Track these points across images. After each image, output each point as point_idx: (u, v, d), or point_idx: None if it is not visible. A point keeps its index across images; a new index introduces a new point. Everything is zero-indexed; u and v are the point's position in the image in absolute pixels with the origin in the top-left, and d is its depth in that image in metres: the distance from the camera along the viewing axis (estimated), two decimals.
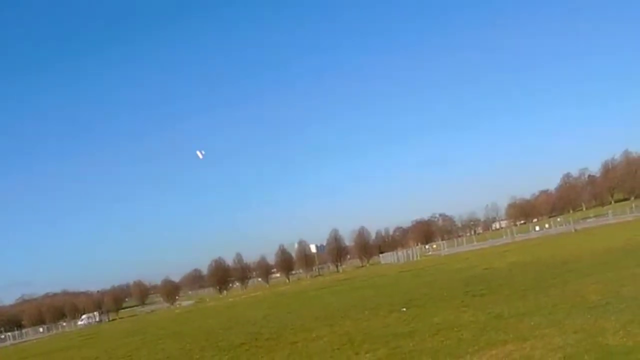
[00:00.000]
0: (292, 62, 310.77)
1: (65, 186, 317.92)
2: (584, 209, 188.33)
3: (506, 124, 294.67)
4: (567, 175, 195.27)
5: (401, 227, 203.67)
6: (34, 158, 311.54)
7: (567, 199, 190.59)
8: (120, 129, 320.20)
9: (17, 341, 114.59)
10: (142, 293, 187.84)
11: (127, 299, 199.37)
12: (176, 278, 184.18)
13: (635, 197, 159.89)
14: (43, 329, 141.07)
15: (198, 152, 53.14)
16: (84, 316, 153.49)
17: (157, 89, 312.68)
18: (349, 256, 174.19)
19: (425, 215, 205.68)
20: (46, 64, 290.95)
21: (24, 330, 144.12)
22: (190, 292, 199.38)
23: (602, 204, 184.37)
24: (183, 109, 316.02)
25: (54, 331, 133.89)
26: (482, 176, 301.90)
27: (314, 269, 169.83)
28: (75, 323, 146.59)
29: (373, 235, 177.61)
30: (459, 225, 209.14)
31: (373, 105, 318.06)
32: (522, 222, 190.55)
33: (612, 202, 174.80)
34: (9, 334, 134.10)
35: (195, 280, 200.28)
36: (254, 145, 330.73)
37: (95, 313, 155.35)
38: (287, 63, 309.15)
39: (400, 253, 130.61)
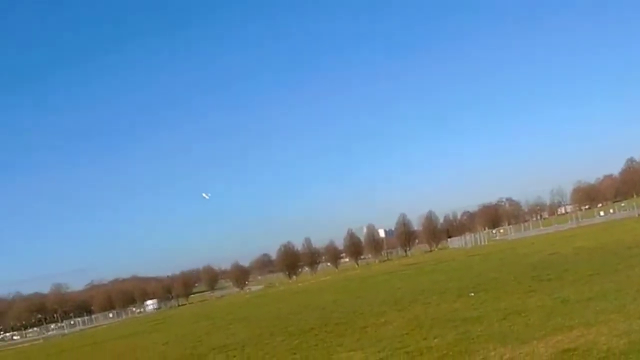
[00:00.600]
0: (362, 41, 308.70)
1: (134, 171, 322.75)
2: None
3: (570, 110, 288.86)
4: (631, 160, 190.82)
5: (468, 212, 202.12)
6: (101, 145, 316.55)
7: (630, 183, 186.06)
8: (184, 109, 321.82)
9: (86, 327, 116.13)
10: (211, 278, 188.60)
11: (196, 284, 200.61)
12: (245, 263, 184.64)
13: None
14: (113, 314, 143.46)
15: (204, 195, 54.81)
16: (148, 302, 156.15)
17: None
18: (417, 241, 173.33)
19: (492, 199, 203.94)
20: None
21: (93, 316, 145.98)
22: (259, 277, 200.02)
23: None
24: (249, 89, 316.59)
25: (124, 317, 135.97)
26: (548, 161, 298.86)
27: (382, 253, 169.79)
28: (145, 308, 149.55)
29: (441, 220, 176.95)
30: (525, 210, 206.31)
31: (437, 91, 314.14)
32: (586, 207, 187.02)
33: None
34: (79, 319, 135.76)
35: (265, 265, 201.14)
36: (321, 128, 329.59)
37: (155, 300, 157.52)
38: (356, 42, 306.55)
39: (467, 237, 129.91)
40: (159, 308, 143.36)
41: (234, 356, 23.04)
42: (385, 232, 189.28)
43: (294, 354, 20.33)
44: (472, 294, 26.83)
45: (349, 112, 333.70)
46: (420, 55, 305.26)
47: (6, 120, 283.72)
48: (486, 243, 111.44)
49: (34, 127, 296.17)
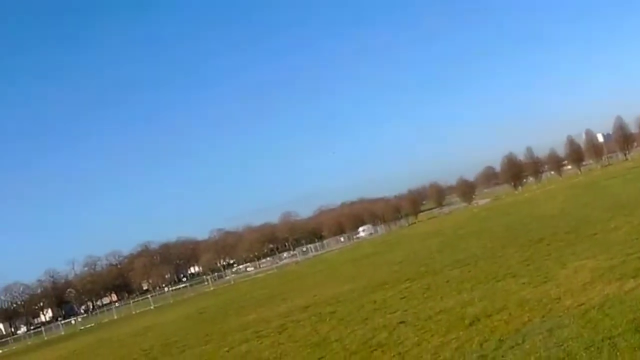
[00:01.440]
0: None
1: (349, 96, 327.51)
2: None
3: None
4: None
5: None
6: None
7: None
8: None
9: (318, 252, 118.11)
10: (438, 194, 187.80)
11: (424, 202, 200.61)
12: (470, 177, 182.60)
13: None
14: (344, 238, 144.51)
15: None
16: (360, 229, 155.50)
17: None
18: (635, 144, 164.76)
19: None
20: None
21: (324, 242, 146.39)
22: (485, 190, 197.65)
23: None
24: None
25: (354, 240, 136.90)
26: None
27: (603, 158, 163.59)
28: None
29: None
30: None
31: None
32: None
33: None
34: (310, 246, 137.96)
35: (489, 178, 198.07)
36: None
37: (369, 225, 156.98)
38: None
39: None
40: (373, 233, 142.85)
41: (469, 271, 23.80)
42: (604, 136, 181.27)
43: (528, 264, 21.03)
44: None
45: None
46: None
47: None
48: None
49: None
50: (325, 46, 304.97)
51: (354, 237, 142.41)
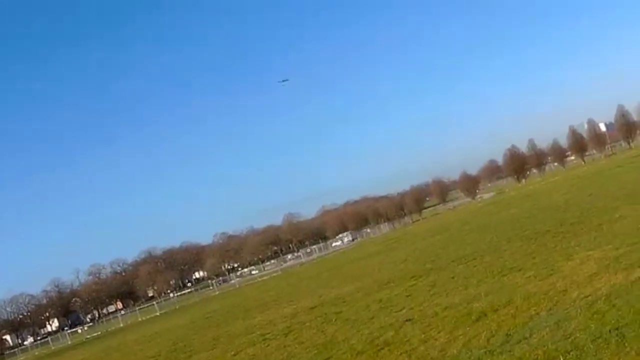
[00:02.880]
0: None
1: (345, 95, 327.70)
2: None
3: None
4: None
5: None
6: None
7: None
8: None
9: (323, 253, 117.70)
10: (441, 190, 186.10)
11: (427, 198, 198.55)
12: (473, 171, 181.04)
13: None
14: (348, 238, 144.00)
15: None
16: (339, 235, 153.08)
17: None
18: (638, 131, 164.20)
19: None
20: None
21: (328, 242, 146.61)
22: (489, 184, 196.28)
23: None
24: None
25: (360, 239, 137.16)
26: None
27: (606, 147, 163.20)
28: (379, 229, 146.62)
29: None
30: None
31: None
32: None
33: None
34: (314, 247, 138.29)
35: (493, 171, 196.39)
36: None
37: (349, 232, 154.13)
38: None
39: None
40: (351, 240, 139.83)
41: (474, 266, 23.78)
42: (606, 125, 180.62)
43: (534, 257, 20.97)
44: None
45: None
46: None
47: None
48: None
49: None
50: (325, 44, 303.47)
51: (332, 245, 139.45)
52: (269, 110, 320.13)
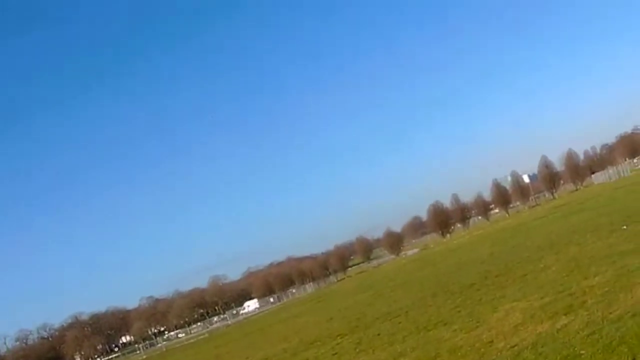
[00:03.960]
0: None
1: (271, 156, 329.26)
2: None
3: None
4: None
5: (607, 144, 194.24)
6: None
7: None
8: None
9: (249, 314, 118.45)
10: (366, 248, 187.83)
11: (352, 257, 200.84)
12: (397, 228, 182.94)
13: None
14: (273, 299, 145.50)
15: None
16: (246, 304, 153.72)
17: None
18: (561, 181, 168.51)
19: (627, 128, 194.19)
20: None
21: (234, 311, 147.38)
22: (413, 241, 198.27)
23: None
24: None
25: (284, 300, 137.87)
26: None
27: (530, 199, 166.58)
28: (304, 289, 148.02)
29: (581, 157, 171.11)
30: None
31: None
32: None
33: None
34: (240, 308, 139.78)
35: (417, 227, 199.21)
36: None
37: (255, 300, 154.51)
38: None
39: (610, 171, 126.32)
40: (257, 308, 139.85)
41: (400, 322, 23.52)
42: (529, 177, 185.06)
43: (459, 311, 20.83)
44: (625, 227, 26.61)
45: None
46: None
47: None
48: (629, 174, 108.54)
49: None
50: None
51: (240, 312, 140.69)
52: (191, 170, 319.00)
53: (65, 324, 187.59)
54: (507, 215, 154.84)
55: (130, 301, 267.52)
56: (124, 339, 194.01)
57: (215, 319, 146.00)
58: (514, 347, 12.79)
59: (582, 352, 10.73)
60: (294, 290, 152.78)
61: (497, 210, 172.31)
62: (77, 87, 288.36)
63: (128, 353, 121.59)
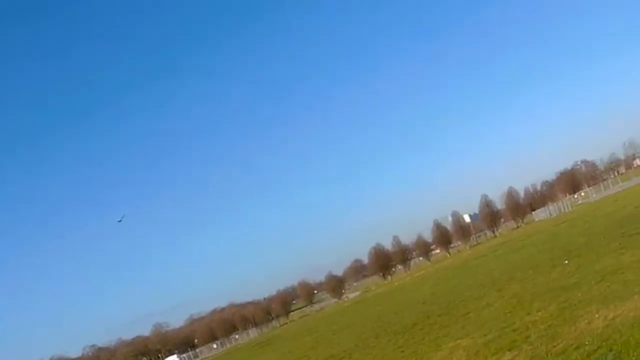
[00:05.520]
0: None
1: (219, 190, 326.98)
2: None
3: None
4: None
5: (547, 181, 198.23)
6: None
7: None
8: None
9: None
10: (308, 292, 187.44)
11: (294, 301, 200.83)
12: (339, 272, 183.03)
13: None
14: (217, 345, 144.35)
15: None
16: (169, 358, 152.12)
17: None
18: (502, 220, 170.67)
19: (567, 164, 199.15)
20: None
21: (197, 350, 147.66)
22: (355, 283, 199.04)
23: None
24: None
25: (228, 345, 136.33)
26: (616, 114, 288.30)
27: (471, 238, 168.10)
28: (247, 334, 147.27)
29: (522, 194, 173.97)
30: (602, 168, 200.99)
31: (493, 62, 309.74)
32: None
33: None
34: (184, 355, 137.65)
35: (358, 270, 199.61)
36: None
37: (175, 357, 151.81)
38: None
39: (551, 207, 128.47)
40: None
41: None
42: (470, 216, 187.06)
43: (402, 351, 20.60)
44: (566, 262, 26.76)
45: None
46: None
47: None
48: (570, 209, 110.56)
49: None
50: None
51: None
52: (131, 223, 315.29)
53: None
54: (448, 255, 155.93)
55: (74, 351, 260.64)
56: None
57: None
58: None
59: None
60: (237, 336, 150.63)
61: (438, 251, 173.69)
62: None
63: None
